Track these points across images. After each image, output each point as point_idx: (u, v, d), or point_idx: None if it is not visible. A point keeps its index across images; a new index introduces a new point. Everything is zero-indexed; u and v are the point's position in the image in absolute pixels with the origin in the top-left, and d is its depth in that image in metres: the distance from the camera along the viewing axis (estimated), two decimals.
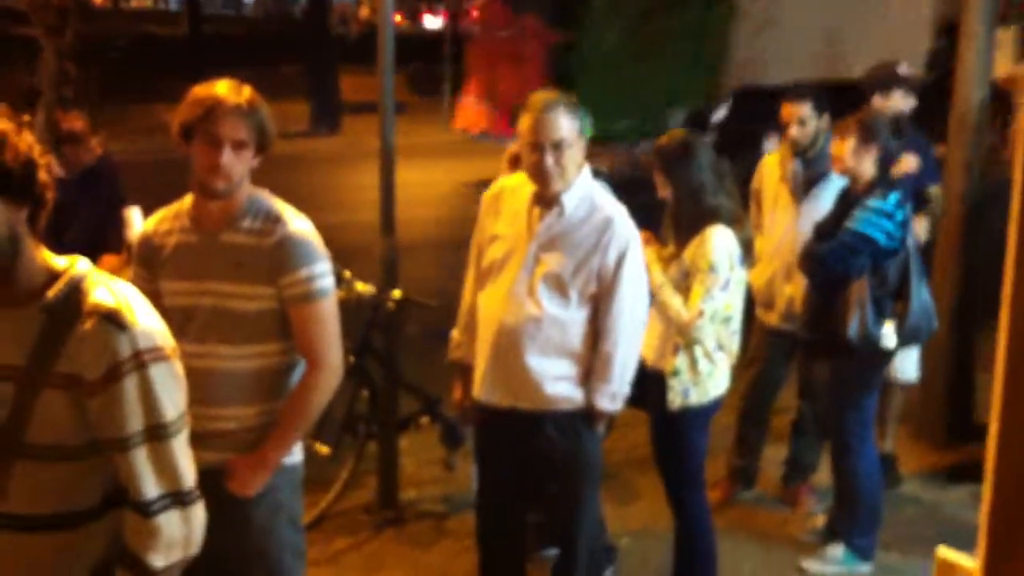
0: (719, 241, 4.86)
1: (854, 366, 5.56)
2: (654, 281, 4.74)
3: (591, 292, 4.38)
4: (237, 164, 3.63)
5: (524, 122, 4.35)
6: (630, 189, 5.19)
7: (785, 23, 13.99)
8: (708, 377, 4.98)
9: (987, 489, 1.90)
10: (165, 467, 2.60)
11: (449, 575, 5.66)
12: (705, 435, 5.13)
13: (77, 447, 2.54)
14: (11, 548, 2.57)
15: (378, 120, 6.08)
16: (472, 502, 5.27)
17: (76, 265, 2.60)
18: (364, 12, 37.87)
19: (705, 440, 5.15)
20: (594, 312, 4.40)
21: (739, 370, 5.53)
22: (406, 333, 6.32)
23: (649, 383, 4.91)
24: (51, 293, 2.52)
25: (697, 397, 4.98)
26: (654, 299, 4.74)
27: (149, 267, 3.82)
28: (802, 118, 6.12)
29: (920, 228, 6.28)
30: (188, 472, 2.66)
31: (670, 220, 5.06)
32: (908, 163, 6.28)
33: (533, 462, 4.57)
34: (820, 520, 6.04)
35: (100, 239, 6.23)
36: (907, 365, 6.43)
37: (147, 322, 2.57)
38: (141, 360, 2.52)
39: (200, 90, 3.67)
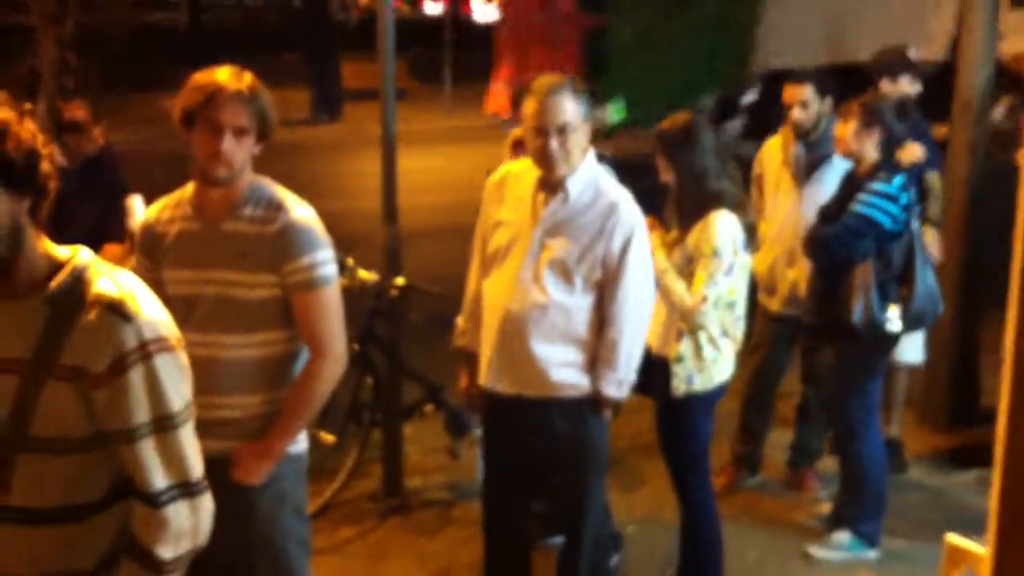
0: (723, 226, 4.84)
1: (858, 351, 5.54)
2: (657, 266, 4.72)
3: (596, 278, 4.36)
4: (238, 151, 3.61)
5: (528, 106, 4.33)
6: (635, 173, 5.17)
7: (813, 6, 13.95)
8: (712, 363, 4.97)
9: (997, 475, 1.89)
10: (172, 458, 2.58)
11: (454, 563, 5.66)
12: (710, 421, 5.12)
13: (82, 439, 2.52)
14: (16, 542, 2.55)
15: (379, 107, 6.06)
16: (477, 490, 5.26)
17: (78, 255, 2.58)
18: None
19: (710, 426, 5.13)
20: (599, 298, 4.38)
21: (743, 356, 5.52)
22: (410, 321, 6.31)
23: (653, 369, 4.90)
24: (54, 284, 2.50)
25: (701, 383, 4.96)
26: (658, 285, 4.73)
27: (151, 256, 3.81)
28: (804, 101, 6.10)
29: (931, 242, 6.27)
30: (196, 462, 2.65)
31: (673, 205, 5.04)
32: (914, 152, 6.25)
33: (539, 450, 4.56)
34: (825, 506, 6.03)
35: (102, 229, 6.22)
36: (911, 348, 6.40)
37: (152, 312, 2.56)
38: (147, 351, 2.50)
39: (201, 76, 3.65)
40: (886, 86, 6.50)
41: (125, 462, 2.57)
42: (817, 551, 5.70)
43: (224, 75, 3.63)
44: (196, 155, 3.66)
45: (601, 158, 4.64)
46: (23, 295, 2.49)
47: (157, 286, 3.40)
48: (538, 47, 14.08)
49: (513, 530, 4.81)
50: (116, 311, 2.49)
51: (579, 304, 4.37)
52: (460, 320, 4.78)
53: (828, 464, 6.29)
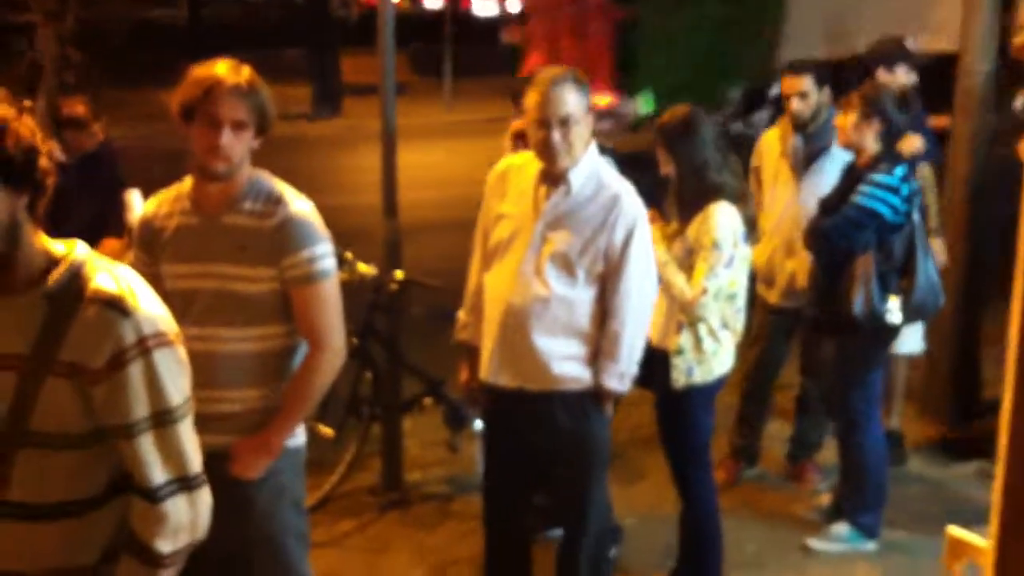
0: (723, 218, 4.83)
1: (859, 342, 5.54)
2: (658, 259, 4.72)
3: (598, 271, 4.35)
4: (237, 145, 3.60)
5: (531, 98, 4.32)
6: (635, 166, 5.17)
7: None
8: (713, 355, 4.96)
9: (1000, 468, 1.89)
10: (171, 453, 2.58)
11: (454, 557, 5.66)
12: (710, 414, 5.12)
13: (82, 435, 2.51)
14: (16, 537, 2.55)
15: (379, 102, 6.06)
16: (477, 484, 5.26)
17: (75, 250, 2.57)
18: None
19: (710, 419, 5.13)
20: (602, 291, 4.38)
21: (743, 348, 5.51)
22: (409, 314, 6.31)
23: (653, 362, 4.89)
24: (52, 280, 2.49)
25: (701, 376, 4.96)
26: (658, 277, 4.72)
27: (149, 250, 3.81)
28: (803, 91, 6.08)
29: (938, 251, 6.26)
30: (194, 457, 2.65)
31: (673, 197, 5.03)
32: (913, 143, 6.24)
33: (540, 444, 4.55)
34: (825, 498, 6.02)
35: (101, 224, 6.21)
36: (910, 338, 6.36)
37: (150, 307, 2.55)
38: (145, 346, 2.50)
39: (199, 70, 3.64)
40: (883, 76, 6.49)
41: (124, 457, 2.56)
42: (816, 543, 5.70)
43: (222, 69, 3.62)
44: (194, 149, 3.65)
45: (603, 150, 4.63)
46: (21, 291, 2.49)
47: (155, 280, 3.39)
48: (568, 39, 14.10)
49: (514, 524, 4.80)
50: (115, 306, 2.48)
51: (581, 297, 4.36)
52: (461, 314, 4.77)
53: (827, 456, 6.28)
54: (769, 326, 6.34)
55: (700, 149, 4.89)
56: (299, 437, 3.88)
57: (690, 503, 5.16)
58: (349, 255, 5.91)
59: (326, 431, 5.98)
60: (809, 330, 6.06)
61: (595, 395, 4.44)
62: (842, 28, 13.24)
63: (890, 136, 5.42)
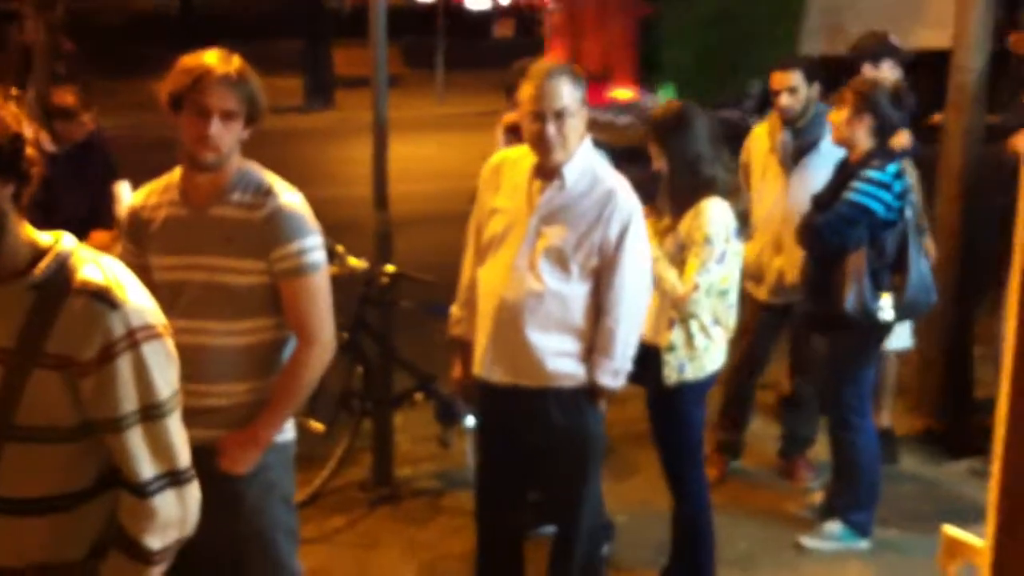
0: (715, 213, 4.81)
1: (851, 339, 5.53)
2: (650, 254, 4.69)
3: (593, 266, 4.32)
4: (226, 135, 3.57)
5: (525, 90, 4.29)
6: (629, 161, 5.15)
7: None
8: (704, 352, 4.94)
9: (996, 467, 1.87)
10: (160, 447, 2.56)
11: (444, 552, 5.64)
12: (702, 410, 5.11)
13: (69, 428, 2.49)
14: (3, 532, 2.53)
15: (371, 94, 6.03)
16: (467, 479, 5.24)
17: (61, 241, 2.54)
18: None
19: (702, 414, 5.13)
20: (596, 287, 4.35)
21: (732, 344, 5.50)
22: (400, 309, 6.28)
23: (645, 358, 4.86)
24: (38, 271, 2.47)
25: (693, 372, 4.94)
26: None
27: (137, 241, 3.78)
28: (792, 86, 6.06)
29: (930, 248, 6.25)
30: (183, 451, 2.62)
31: (665, 192, 5.01)
32: (901, 138, 6.23)
33: (534, 440, 4.53)
34: (818, 496, 6.01)
35: (91, 215, 6.20)
36: (898, 334, 6.33)
37: (138, 299, 2.53)
38: (134, 339, 2.47)
39: (188, 59, 3.61)
40: (868, 71, 6.46)
41: (112, 451, 2.54)
42: (809, 541, 5.69)
43: (212, 58, 3.59)
44: (183, 139, 3.62)
45: (597, 145, 4.60)
46: (5, 281, 2.46)
47: (143, 272, 3.37)
48: (591, 33, 14.13)
49: (506, 520, 4.78)
50: (103, 299, 2.46)
51: (575, 292, 4.33)
52: (455, 309, 4.75)
53: (819, 453, 6.27)
54: (757, 322, 6.32)
55: (692, 143, 4.87)
56: (289, 432, 3.86)
57: (682, 500, 5.14)
58: (340, 248, 5.89)
59: (316, 426, 5.95)
60: (800, 326, 6.05)
61: (589, 392, 4.41)
62: (839, 23, 13.27)
63: (883, 132, 5.41)
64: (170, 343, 2.59)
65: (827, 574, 5.51)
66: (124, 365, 2.46)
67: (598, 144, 4.63)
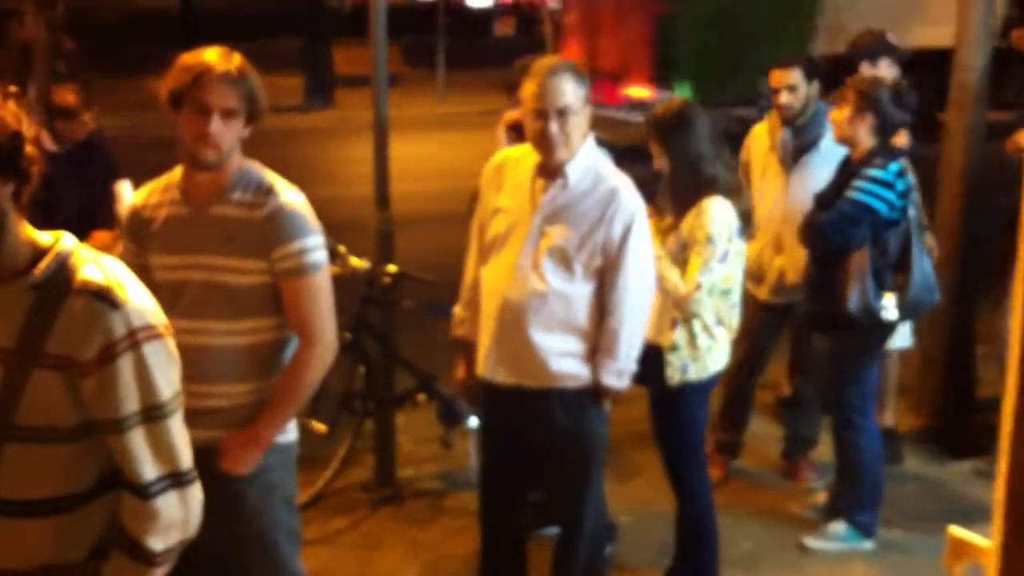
0: (717, 212, 4.80)
1: (854, 338, 5.52)
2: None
3: (596, 266, 4.30)
4: (226, 133, 3.56)
5: (528, 88, 4.27)
6: (632, 160, 5.14)
7: None
8: (707, 352, 4.93)
9: (1002, 469, 1.86)
10: (162, 448, 2.54)
11: (447, 553, 5.63)
12: (705, 410, 5.10)
13: (71, 429, 2.48)
14: (4, 534, 2.51)
15: (372, 93, 6.02)
16: (470, 480, 5.23)
17: (61, 241, 2.53)
18: None
19: (705, 415, 5.12)
20: (599, 286, 4.33)
21: (735, 344, 5.48)
22: (402, 309, 6.27)
23: (647, 358, 4.85)
24: (38, 270, 2.45)
25: (696, 372, 4.93)
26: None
27: (138, 241, 3.76)
28: (792, 84, 6.04)
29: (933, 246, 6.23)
30: (185, 452, 2.61)
31: (667, 191, 4.99)
32: (900, 138, 6.21)
33: (538, 441, 4.51)
34: (821, 497, 6.00)
35: (92, 214, 6.18)
36: (899, 333, 6.32)
37: (139, 299, 2.51)
38: (135, 339, 2.46)
39: (188, 57, 3.60)
40: (866, 69, 6.45)
41: (114, 452, 2.53)
42: (813, 542, 5.68)
43: (212, 55, 3.58)
44: (184, 137, 3.61)
45: (600, 143, 4.59)
46: (5, 281, 2.45)
47: (144, 272, 3.36)
48: (608, 31, 14.13)
49: (509, 521, 4.77)
50: (103, 298, 2.44)
51: (579, 292, 4.32)
52: (458, 309, 4.73)
53: (823, 453, 6.25)
54: (758, 322, 6.30)
55: (694, 142, 4.86)
56: (291, 433, 3.84)
57: (685, 500, 5.13)
58: (342, 248, 5.88)
59: (318, 427, 5.94)
60: (802, 326, 6.03)
61: (593, 392, 4.40)
62: (838, 22, 13.26)
63: (885, 131, 5.39)
64: (171, 343, 2.58)
65: (831, 575, 5.50)
66: (125, 365, 2.45)
67: (600, 142, 4.62)
